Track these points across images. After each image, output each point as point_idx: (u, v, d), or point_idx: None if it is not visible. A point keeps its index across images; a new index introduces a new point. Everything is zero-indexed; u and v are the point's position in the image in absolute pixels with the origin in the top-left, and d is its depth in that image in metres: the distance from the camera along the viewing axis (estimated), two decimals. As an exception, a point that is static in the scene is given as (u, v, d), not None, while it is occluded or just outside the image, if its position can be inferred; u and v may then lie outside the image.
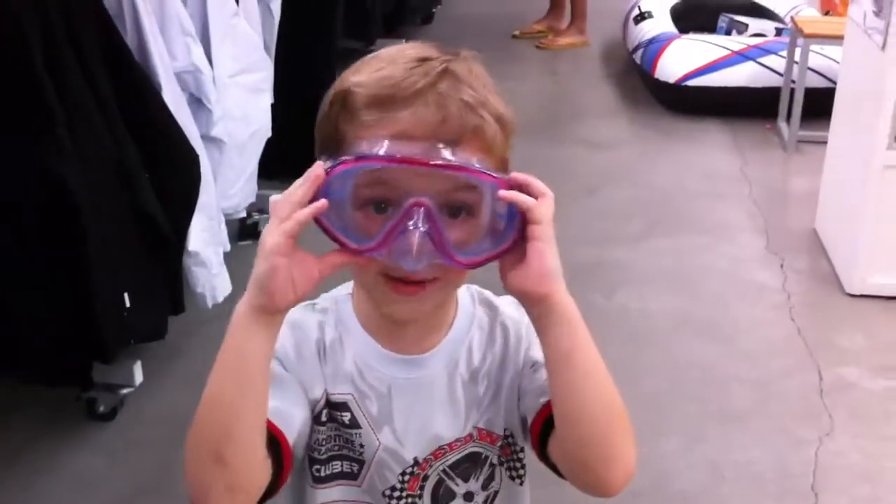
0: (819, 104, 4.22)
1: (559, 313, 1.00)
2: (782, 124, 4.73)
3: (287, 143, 3.85)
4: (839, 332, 3.22)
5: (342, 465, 1.14)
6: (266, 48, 3.53)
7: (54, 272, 2.44)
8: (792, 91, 4.60)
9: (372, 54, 1.07)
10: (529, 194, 0.98)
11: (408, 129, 0.97)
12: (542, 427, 1.08)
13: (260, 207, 3.71)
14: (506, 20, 6.55)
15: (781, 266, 3.61)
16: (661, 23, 5.46)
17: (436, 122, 0.97)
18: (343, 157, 0.97)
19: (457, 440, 1.14)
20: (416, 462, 1.13)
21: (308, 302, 1.15)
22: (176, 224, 2.69)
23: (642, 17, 5.58)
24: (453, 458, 1.15)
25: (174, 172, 2.70)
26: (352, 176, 0.98)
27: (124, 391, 2.77)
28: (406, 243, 0.96)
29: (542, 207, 0.98)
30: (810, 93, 4.47)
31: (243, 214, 3.56)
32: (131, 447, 2.68)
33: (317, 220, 0.96)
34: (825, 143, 3.88)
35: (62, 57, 2.37)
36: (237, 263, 3.14)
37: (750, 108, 4.92)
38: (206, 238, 2.84)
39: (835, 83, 3.97)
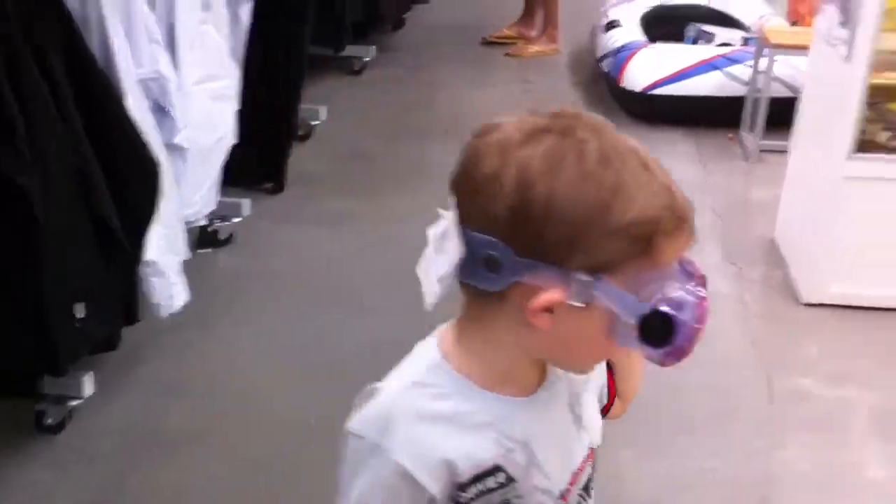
0: (782, 114, 4.23)
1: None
2: (745, 134, 4.76)
3: (258, 148, 3.85)
4: (794, 342, 3.25)
5: None
6: (234, 55, 3.52)
7: (7, 281, 2.42)
8: (756, 101, 4.65)
9: (603, 154, 1.02)
10: None
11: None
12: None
13: (221, 215, 3.68)
14: (476, 28, 6.54)
15: (738, 275, 3.64)
16: (630, 31, 5.49)
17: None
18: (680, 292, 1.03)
19: (583, 460, 1.19)
20: (560, 494, 1.16)
21: (408, 384, 1.10)
22: (133, 233, 2.67)
23: (612, 25, 5.61)
24: (583, 478, 1.20)
25: (134, 181, 2.68)
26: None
27: (73, 403, 2.73)
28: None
29: None
30: (773, 102, 4.50)
31: (204, 222, 3.53)
32: (81, 460, 2.64)
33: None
34: (787, 152, 3.90)
35: (22, 63, 2.35)
36: (196, 272, 3.13)
37: (714, 117, 4.94)
38: (163, 246, 2.81)
39: (798, 93, 4.00)
